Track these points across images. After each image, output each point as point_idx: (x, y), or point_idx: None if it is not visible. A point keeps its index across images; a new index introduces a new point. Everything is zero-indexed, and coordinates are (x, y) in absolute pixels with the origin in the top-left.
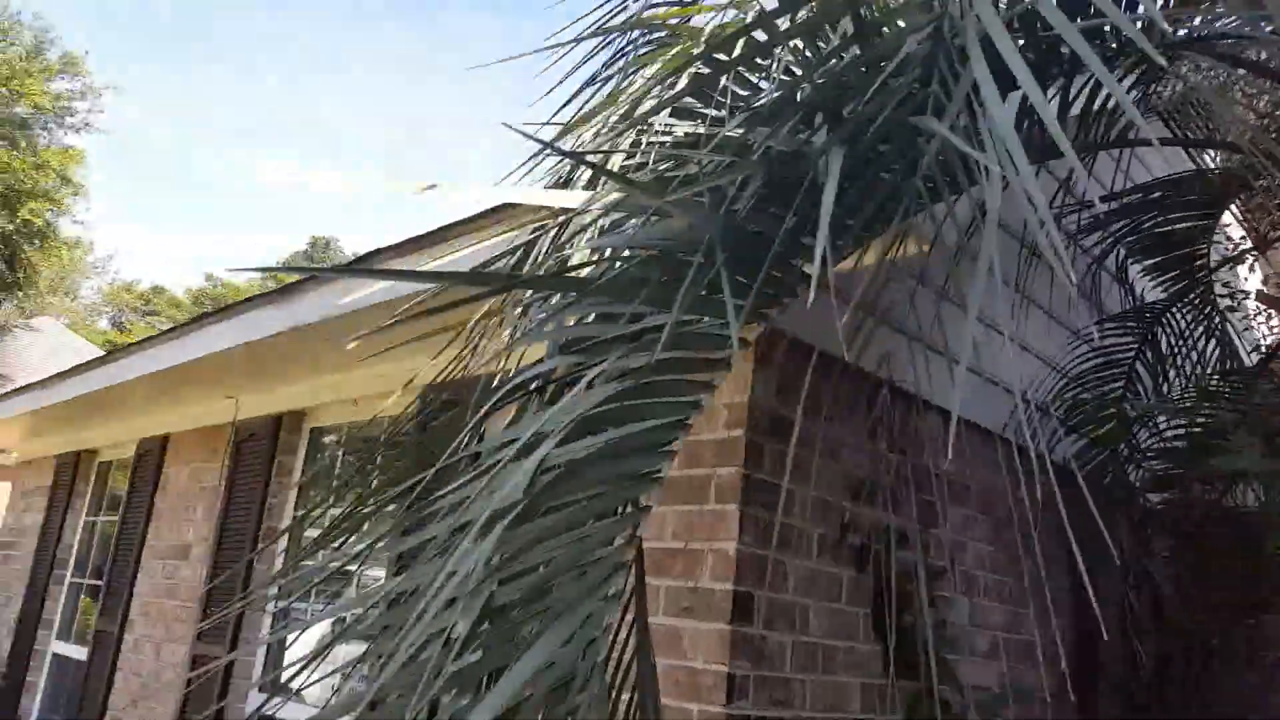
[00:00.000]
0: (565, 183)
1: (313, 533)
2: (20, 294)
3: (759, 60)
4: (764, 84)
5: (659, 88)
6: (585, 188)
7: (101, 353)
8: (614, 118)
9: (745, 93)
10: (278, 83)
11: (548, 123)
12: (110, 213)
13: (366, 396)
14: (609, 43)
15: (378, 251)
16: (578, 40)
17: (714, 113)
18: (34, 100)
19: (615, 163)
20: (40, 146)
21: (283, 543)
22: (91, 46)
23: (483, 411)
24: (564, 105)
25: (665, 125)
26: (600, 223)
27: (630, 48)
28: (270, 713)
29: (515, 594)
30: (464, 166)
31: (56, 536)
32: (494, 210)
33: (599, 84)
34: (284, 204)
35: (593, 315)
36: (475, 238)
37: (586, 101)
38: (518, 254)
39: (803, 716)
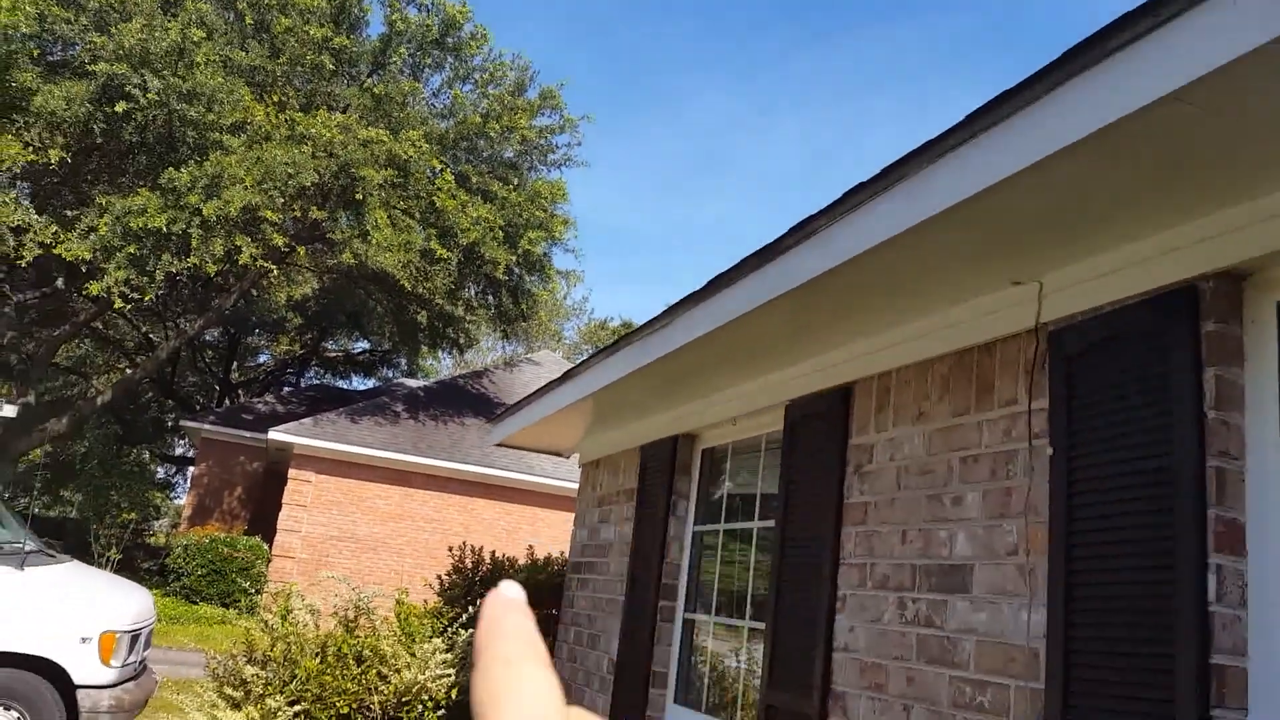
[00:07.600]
0: None
1: None
2: (524, 325)
3: None
4: None
5: None
6: None
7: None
8: None
9: None
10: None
11: None
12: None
13: None
14: None
15: None
16: None
17: None
18: (523, 135)
19: None
20: (530, 181)
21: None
22: (566, 77)
23: None
24: None
25: None
26: None
27: None
28: None
29: None
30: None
31: (659, 554)
32: None
33: None
34: (706, 238)
35: None
36: None
37: None
38: None
39: None
